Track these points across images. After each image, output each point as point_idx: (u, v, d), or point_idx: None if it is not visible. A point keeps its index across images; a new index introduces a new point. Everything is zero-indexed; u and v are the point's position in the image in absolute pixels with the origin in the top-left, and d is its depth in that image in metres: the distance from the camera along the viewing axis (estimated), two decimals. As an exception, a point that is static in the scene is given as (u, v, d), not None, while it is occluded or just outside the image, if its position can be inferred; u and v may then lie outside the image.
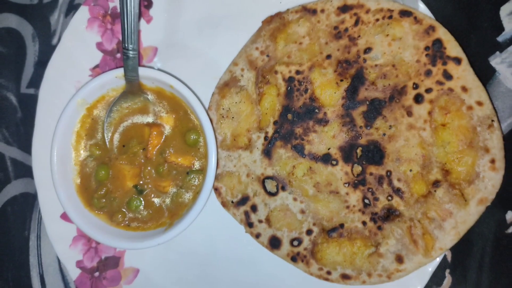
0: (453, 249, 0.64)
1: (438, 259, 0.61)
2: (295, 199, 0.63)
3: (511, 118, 0.65)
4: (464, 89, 0.58)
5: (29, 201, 0.70)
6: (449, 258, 0.65)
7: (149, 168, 0.65)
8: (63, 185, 0.63)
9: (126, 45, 0.61)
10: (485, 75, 0.64)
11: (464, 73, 0.58)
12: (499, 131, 0.58)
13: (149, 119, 0.66)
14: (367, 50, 0.61)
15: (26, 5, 0.70)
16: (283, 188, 0.64)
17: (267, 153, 0.64)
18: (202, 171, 0.64)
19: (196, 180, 0.65)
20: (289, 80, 0.63)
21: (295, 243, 0.63)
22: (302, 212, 0.63)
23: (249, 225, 0.64)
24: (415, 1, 0.61)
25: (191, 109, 0.63)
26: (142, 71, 0.63)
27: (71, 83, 0.67)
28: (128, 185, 0.65)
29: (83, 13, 0.66)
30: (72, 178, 0.65)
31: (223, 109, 0.64)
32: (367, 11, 0.60)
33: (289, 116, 0.63)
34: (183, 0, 0.66)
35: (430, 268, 0.61)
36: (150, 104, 0.66)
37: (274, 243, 0.64)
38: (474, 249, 0.64)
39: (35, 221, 0.70)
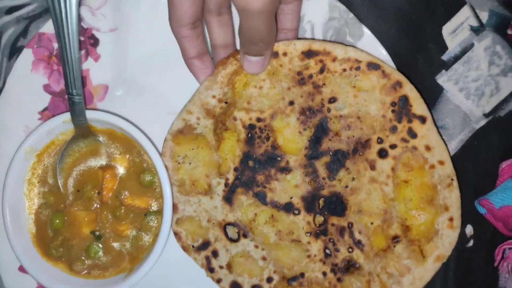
0: None
1: None
2: (256, 246, 0.64)
3: (462, 134, 0.68)
4: (428, 148, 0.59)
5: None
6: None
7: (105, 212, 0.65)
8: (18, 236, 0.63)
9: (70, 90, 0.60)
10: (434, 93, 0.67)
11: (428, 132, 0.59)
12: (458, 190, 0.60)
13: (102, 161, 0.65)
14: (332, 99, 0.61)
15: (-33, 50, 0.66)
16: (244, 235, 0.64)
17: (228, 199, 0.64)
18: (160, 212, 0.64)
19: (155, 222, 0.65)
20: (250, 127, 0.62)
21: None
22: (264, 259, 0.64)
23: (210, 270, 0.65)
24: (360, 26, 0.62)
25: (144, 150, 0.63)
26: (90, 114, 0.62)
27: (20, 128, 0.65)
28: (84, 231, 0.65)
29: (27, 56, 0.64)
30: (27, 228, 0.64)
31: (178, 156, 0.63)
32: (334, 59, 0.59)
33: (250, 163, 0.63)
34: (129, 36, 0.65)
35: None
36: (102, 146, 0.65)
37: None
38: None
39: None
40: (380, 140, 0.61)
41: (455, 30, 0.67)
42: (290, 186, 0.63)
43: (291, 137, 0.62)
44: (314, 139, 0.62)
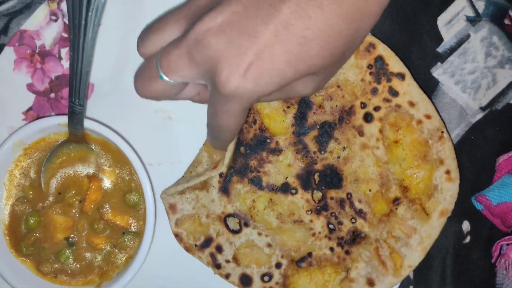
0: None
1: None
2: (259, 234, 0.64)
3: (459, 129, 0.68)
4: (411, 104, 0.60)
5: None
6: (411, 274, 0.67)
7: (83, 222, 0.65)
8: None
9: (73, 99, 0.60)
10: (429, 86, 0.67)
11: (409, 88, 0.60)
12: (450, 141, 0.60)
13: (90, 170, 0.66)
14: None
15: None
16: (246, 224, 0.64)
17: (225, 190, 0.64)
18: (139, 234, 0.65)
19: (131, 242, 0.65)
20: None
21: (266, 278, 0.64)
22: (269, 245, 0.64)
23: (217, 266, 0.65)
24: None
25: (135, 171, 0.63)
26: (88, 123, 0.62)
27: (4, 128, 0.66)
28: (58, 237, 0.65)
29: (8, 54, 0.65)
30: (1, 218, 0.65)
31: None
32: None
33: (242, 149, 0.64)
34: (115, 32, 0.66)
35: (394, 287, 0.63)
36: (94, 154, 0.65)
37: (245, 281, 0.65)
38: (435, 263, 0.67)
39: None
40: (363, 105, 0.62)
41: (451, 21, 0.68)
42: (284, 166, 0.64)
43: (276, 116, 0.63)
44: (299, 115, 0.63)
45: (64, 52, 0.66)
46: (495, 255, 0.66)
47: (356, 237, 0.63)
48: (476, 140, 0.68)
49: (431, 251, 0.66)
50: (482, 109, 0.68)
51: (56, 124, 0.63)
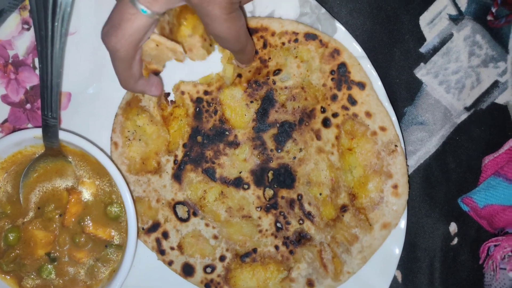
0: (403, 268, 0.69)
1: (386, 286, 0.65)
2: (207, 225, 0.66)
3: (444, 130, 0.69)
4: (368, 114, 0.63)
5: None
6: (399, 278, 0.69)
7: (64, 236, 0.66)
8: None
9: (46, 112, 0.61)
10: (412, 88, 0.69)
11: (368, 98, 0.63)
12: (403, 156, 0.63)
13: (69, 182, 0.66)
14: (277, 71, 0.65)
15: None
16: (194, 214, 0.66)
17: (177, 177, 0.66)
18: (122, 247, 0.66)
19: (115, 255, 0.66)
20: (197, 101, 0.66)
21: (209, 270, 0.66)
22: (215, 237, 0.66)
23: (161, 252, 0.67)
24: (332, 22, 0.65)
25: (115, 183, 0.64)
26: (63, 135, 0.63)
27: (-21, 142, 0.65)
28: (39, 253, 0.66)
29: (-20, 65, 0.65)
30: None
31: (128, 131, 0.66)
32: (273, 34, 0.64)
33: (199, 138, 0.66)
34: (89, 39, 0.66)
35: None
36: (71, 167, 0.66)
37: (187, 271, 0.67)
38: (423, 266, 0.69)
39: None
40: (323, 110, 0.64)
41: (433, 20, 0.69)
42: (239, 160, 0.66)
43: (239, 109, 0.65)
44: (261, 111, 0.66)
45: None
46: (482, 257, 0.68)
47: (301, 238, 0.65)
48: (461, 140, 0.69)
49: (418, 254, 0.69)
50: (467, 109, 0.69)
51: (31, 137, 0.64)
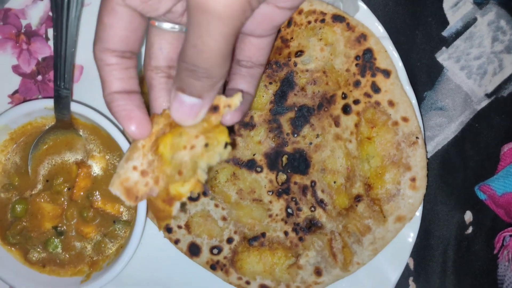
0: (415, 255, 0.69)
1: (398, 272, 0.65)
2: (216, 206, 0.66)
3: (463, 116, 0.69)
4: (391, 103, 0.62)
5: None
6: (411, 265, 0.69)
7: (72, 210, 0.65)
8: None
9: (59, 83, 0.60)
10: (433, 72, 0.69)
11: (392, 87, 0.62)
12: (423, 149, 0.62)
13: (79, 156, 0.66)
14: (299, 53, 0.63)
15: None
16: (204, 193, 0.66)
17: None
18: (130, 223, 0.66)
19: (122, 231, 0.66)
20: None
21: (215, 251, 0.66)
22: (224, 219, 0.66)
23: (168, 230, 0.66)
24: (354, 1, 0.63)
25: None
26: (74, 107, 0.62)
27: (-12, 113, 0.65)
28: (46, 226, 0.66)
29: (-8, 34, 0.64)
30: None
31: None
32: (300, 12, 0.62)
33: None
34: None
35: (394, 277, 0.65)
36: (82, 140, 0.66)
37: (193, 250, 0.66)
38: (436, 254, 0.69)
39: None
40: (344, 96, 0.63)
41: (457, 4, 0.68)
42: (254, 142, 0.65)
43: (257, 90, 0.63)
44: (279, 93, 0.64)
45: (51, 32, 0.66)
46: (497, 247, 0.67)
47: (312, 226, 0.65)
48: (481, 127, 0.69)
49: (432, 242, 0.69)
50: (488, 96, 0.69)
51: (42, 108, 0.63)
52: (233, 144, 0.63)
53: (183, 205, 0.59)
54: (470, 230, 0.69)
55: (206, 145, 0.45)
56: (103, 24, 0.46)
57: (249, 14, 0.41)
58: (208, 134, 0.45)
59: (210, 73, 0.42)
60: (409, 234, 0.64)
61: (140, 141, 0.48)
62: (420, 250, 0.68)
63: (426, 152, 0.62)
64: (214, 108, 0.46)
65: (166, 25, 0.49)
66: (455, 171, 0.69)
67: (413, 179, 0.62)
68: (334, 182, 0.64)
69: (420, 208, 0.63)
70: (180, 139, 0.46)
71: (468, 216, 0.69)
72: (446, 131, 0.69)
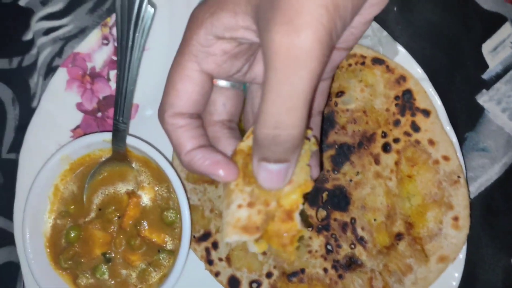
0: None
1: None
2: (256, 240, 0.65)
3: (507, 157, 0.69)
4: (431, 142, 0.63)
5: (13, 271, 0.74)
6: None
7: (121, 237, 0.69)
8: (33, 236, 0.68)
9: (117, 117, 0.67)
10: (474, 113, 0.69)
11: (432, 126, 0.63)
12: (465, 188, 0.62)
13: (130, 186, 0.71)
14: (339, 93, 0.66)
15: (5, 69, 0.76)
16: None
17: None
18: (173, 252, 0.69)
19: (166, 261, 0.69)
20: None
21: (254, 285, 0.67)
22: (264, 253, 0.67)
23: (209, 262, 0.68)
24: (394, 44, 0.67)
25: (173, 189, 0.67)
26: (131, 140, 0.68)
27: (52, 145, 0.72)
28: (96, 252, 0.70)
29: (61, 75, 0.72)
30: (43, 230, 0.70)
31: None
32: None
33: None
34: (161, 56, 0.70)
35: None
36: (134, 172, 0.70)
37: (233, 283, 0.68)
38: None
39: None
40: (384, 134, 0.65)
41: (496, 48, 0.70)
42: None
43: None
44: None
45: (113, 74, 0.73)
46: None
47: (352, 263, 0.65)
48: (525, 169, 0.68)
49: (477, 285, 0.67)
50: (531, 137, 0.68)
51: (100, 141, 0.69)
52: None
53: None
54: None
55: None
56: (176, 90, 0.47)
57: (331, 52, 0.39)
58: None
59: (294, 133, 0.39)
60: (454, 277, 0.63)
61: (231, 183, 0.48)
62: (468, 296, 0.66)
63: (469, 191, 0.62)
64: None
65: (226, 83, 0.51)
66: (499, 213, 0.67)
67: (455, 218, 0.61)
68: (375, 220, 0.64)
69: (464, 249, 0.62)
70: None
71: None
72: (489, 172, 0.68)
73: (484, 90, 0.69)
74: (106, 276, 0.69)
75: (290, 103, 0.37)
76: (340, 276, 0.65)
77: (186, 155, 0.48)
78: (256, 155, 0.42)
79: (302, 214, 0.47)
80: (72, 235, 0.69)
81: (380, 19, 0.68)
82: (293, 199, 0.46)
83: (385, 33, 0.67)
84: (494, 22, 0.69)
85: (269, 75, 0.37)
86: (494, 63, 0.69)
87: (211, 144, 0.50)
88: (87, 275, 0.69)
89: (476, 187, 0.68)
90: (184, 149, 0.48)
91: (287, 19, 0.35)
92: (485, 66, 0.69)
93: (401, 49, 0.66)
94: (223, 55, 0.47)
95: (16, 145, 0.75)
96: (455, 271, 0.63)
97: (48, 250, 0.70)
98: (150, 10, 0.65)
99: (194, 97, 0.47)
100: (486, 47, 0.69)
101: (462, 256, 0.62)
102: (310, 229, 0.65)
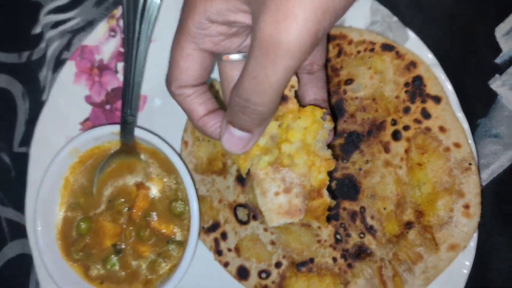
0: None
1: None
2: (265, 230, 0.68)
3: None
4: (442, 129, 0.62)
5: (26, 263, 0.76)
6: None
7: (130, 229, 0.71)
8: (45, 228, 0.70)
9: (125, 109, 0.68)
10: (487, 99, 0.68)
11: (443, 113, 0.62)
12: (477, 175, 0.61)
13: (139, 178, 0.72)
14: (348, 81, 0.66)
15: (15, 64, 0.78)
16: (254, 217, 0.68)
17: (241, 180, 0.69)
18: (182, 243, 0.70)
19: (175, 251, 0.70)
20: None
21: (263, 275, 0.67)
22: (272, 243, 0.67)
23: (218, 253, 0.69)
24: (404, 30, 0.66)
25: (182, 180, 0.68)
26: (138, 132, 0.69)
27: (62, 138, 0.74)
28: (106, 243, 0.71)
29: (70, 68, 0.74)
30: (54, 222, 0.72)
31: (199, 133, 0.69)
32: (350, 42, 0.65)
33: None
34: (169, 47, 0.71)
35: None
36: (143, 164, 0.72)
37: (242, 273, 0.68)
38: None
39: (33, 284, 0.75)
40: (394, 122, 0.64)
41: (510, 32, 0.68)
42: None
43: None
44: None
45: (120, 66, 0.74)
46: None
47: (361, 252, 0.65)
48: (539, 155, 0.67)
49: (490, 274, 0.66)
50: (544, 123, 0.67)
51: (109, 133, 0.70)
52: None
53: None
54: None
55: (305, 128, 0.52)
56: (179, 68, 0.51)
57: (313, 51, 0.41)
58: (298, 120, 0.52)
59: (261, 109, 0.44)
60: (464, 265, 0.63)
61: (260, 173, 0.54)
62: (478, 283, 0.65)
63: (480, 179, 0.61)
64: (283, 98, 0.51)
65: (238, 56, 0.53)
66: (511, 201, 0.66)
67: (466, 206, 0.60)
68: (384, 209, 0.64)
69: (475, 237, 0.62)
70: (289, 147, 0.53)
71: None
72: (501, 159, 0.67)
73: (497, 75, 0.68)
74: (116, 267, 0.70)
75: (262, 87, 0.42)
76: (349, 265, 0.65)
77: (199, 121, 0.53)
78: (226, 117, 0.49)
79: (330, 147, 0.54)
80: (83, 227, 0.71)
81: (390, 4, 0.68)
82: (321, 178, 0.54)
83: (395, 18, 0.66)
84: (508, 5, 0.68)
85: (250, 58, 0.42)
86: (507, 47, 0.67)
87: (220, 107, 0.55)
88: (98, 266, 0.71)
89: (488, 174, 0.68)
90: (196, 115, 0.53)
91: (277, 14, 0.38)
92: (498, 50, 0.68)
93: (411, 34, 0.66)
94: (219, 35, 0.49)
95: (27, 139, 0.77)
96: (466, 260, 0.63)
97: (60, 242, 0.71)
98: (156, 1, 0.65)
99: (196, 73, 0.52)
100: (499, 31, 0.68)
101: (473, 244, 0.62)
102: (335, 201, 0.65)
